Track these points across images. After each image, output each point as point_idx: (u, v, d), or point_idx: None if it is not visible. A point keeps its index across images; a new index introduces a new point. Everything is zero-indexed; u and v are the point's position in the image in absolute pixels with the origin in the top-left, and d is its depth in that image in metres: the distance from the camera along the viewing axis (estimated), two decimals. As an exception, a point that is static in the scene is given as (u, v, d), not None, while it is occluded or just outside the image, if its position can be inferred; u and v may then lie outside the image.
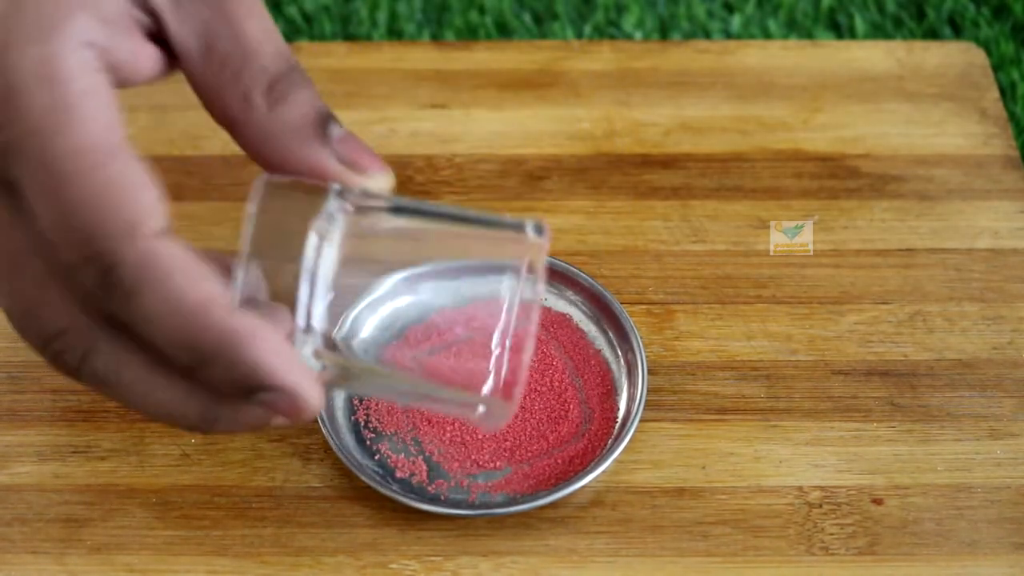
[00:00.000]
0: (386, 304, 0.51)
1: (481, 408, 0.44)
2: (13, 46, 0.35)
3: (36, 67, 0.35)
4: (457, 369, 0.45)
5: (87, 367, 0.38)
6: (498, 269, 0.45)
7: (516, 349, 0.44)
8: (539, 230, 0.43)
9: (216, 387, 0.37)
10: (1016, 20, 0.73)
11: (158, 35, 0.39)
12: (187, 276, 0.35)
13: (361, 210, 0.40)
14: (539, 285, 0.44)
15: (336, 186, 0.39)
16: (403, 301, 0.50)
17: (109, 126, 0.36)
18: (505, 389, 0.44)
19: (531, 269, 0.44)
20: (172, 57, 0.39)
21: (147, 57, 0.39)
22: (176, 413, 0.38)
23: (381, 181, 0.40)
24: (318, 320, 0.41)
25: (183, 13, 0.39)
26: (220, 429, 0.40)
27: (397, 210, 0.43)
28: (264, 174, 0.39)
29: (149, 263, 0.35)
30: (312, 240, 0.39)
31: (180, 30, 0.39)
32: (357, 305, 0.46)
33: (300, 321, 0.40)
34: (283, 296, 0.40)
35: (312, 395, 0.37)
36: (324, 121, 0.39)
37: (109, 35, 0.37)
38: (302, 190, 0.39)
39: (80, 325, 0.37)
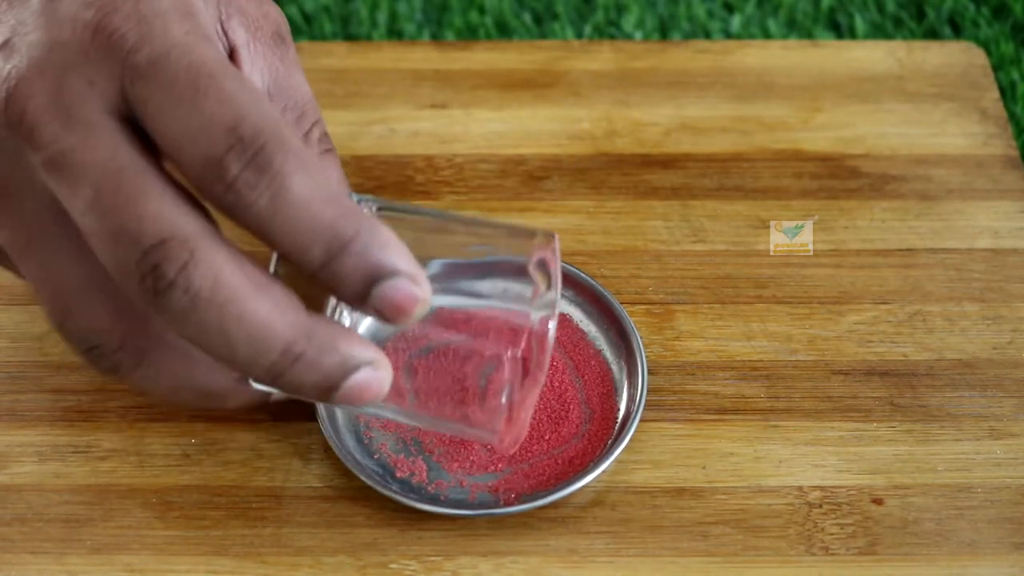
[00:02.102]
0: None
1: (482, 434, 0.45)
2: None
3: (175, 3, 0.39)
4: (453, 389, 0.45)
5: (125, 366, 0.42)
6: (506, 270, 0.45)
7: (529, 377, 0.44)
8: (548, 236, 0.44)
9: (340, 279, 0.38)
10: (1016, 20, 0.73)
11: None
12: (323, 166, 0.39)
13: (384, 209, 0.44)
14: (555, 293, 0.44)
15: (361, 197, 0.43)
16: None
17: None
18: (508, 417, 0.44)
19: (542, 270, 0.44)
20: None
21: None
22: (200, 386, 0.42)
23: None
24: None
25: (255, 55, 0.44)
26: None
27: (412, 212, 0.45)
28: None
29: (294, 148, 0.37)
30: None
31: (250, 70, 0.44)
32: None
33: None
34: None
35: (426, 286, 0.39)
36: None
37: (211, 31, 0.41)
38: None
39: (122, 327, 0.40)
